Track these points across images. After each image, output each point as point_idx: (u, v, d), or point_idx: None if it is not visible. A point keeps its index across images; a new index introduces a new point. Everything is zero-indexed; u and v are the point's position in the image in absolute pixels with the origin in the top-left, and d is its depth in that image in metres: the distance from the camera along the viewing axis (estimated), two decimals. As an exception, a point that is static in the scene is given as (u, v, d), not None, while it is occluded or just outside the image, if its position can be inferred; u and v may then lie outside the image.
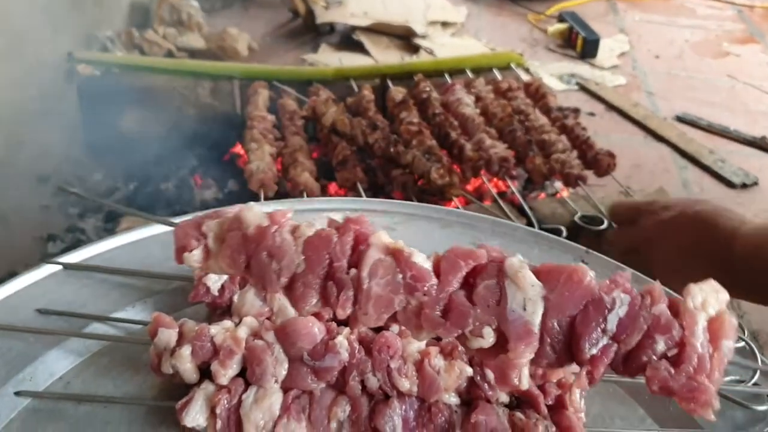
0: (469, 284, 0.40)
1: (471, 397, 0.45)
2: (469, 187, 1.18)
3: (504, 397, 0.45)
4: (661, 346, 0.37)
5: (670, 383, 0.36)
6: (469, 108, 1.25)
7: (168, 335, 0.46)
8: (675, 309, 0.38)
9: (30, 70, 1.26)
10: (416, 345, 0.46)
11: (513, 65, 1.44)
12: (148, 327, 0.47)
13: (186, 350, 0.45)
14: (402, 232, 0.64)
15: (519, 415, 0.44)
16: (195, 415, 0.44)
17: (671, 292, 0.48)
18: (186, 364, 0.45)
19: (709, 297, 0.38)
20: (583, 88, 1.66)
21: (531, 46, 1.92)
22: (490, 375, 0.45)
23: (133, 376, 0.49)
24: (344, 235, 0.41)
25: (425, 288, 0.39)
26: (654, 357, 0.37)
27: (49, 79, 1.32)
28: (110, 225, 1.10)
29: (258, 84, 1.31)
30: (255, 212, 0.43)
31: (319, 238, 0.41)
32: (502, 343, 0.38)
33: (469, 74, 1.40)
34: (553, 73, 1.75)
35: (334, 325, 0.47)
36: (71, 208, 1.15)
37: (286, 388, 0.45)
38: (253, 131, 1.18)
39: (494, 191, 1.14)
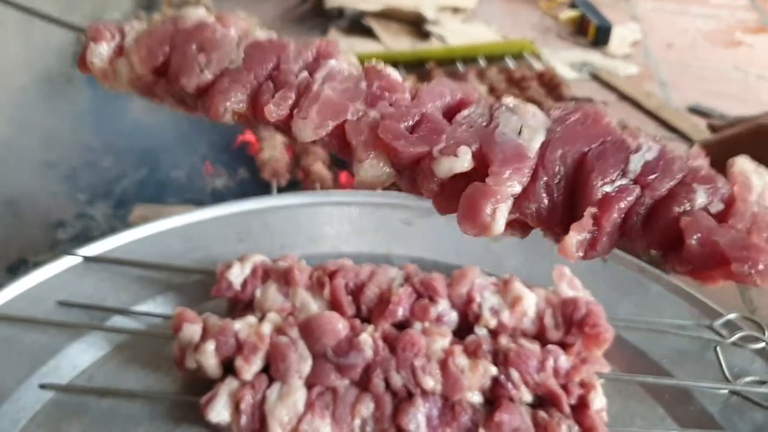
0: (451, 113, 0.31)
1: (494, 396, 0.45)
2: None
3: (527, 397, 0.45)
4: (701, 196, 0.27)
5: (714, 236, 0.25)
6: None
7: (192, 330, 0.46)
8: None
9: (38, 53, 1.25)
10: (440, 343, 0.46)
11: (526, 53, 1.43)
12: (172, 321, 0.47)
13: (210, 345, 0.45)
14: (420, 227, 0.64)
15: (542, 414, 0.45)
16: (219, 410, 0.44)
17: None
18: (210, 359, 0.45)
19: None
20: (596, 77, 1.64)
21: (542, 33, 1.90)
22: (515, 374, 0.45)
23: (155, 370, 0.49)
24: (306, 47, 0.34)
25: (393, 98, 0.31)
26: (690, 207, 0.27)
27: (57, 62, 1.31)
28: (121, 212, 1.09)
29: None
30: (200, 12, 0.35)
31: (271, 42, 0.34)
32: (480, 172, 0.28)
33: (481, 62, 1.39)
34: (565, 61, 1.73)
35: (357, 322, 0.47)
36: (80, 194, 1.14)
37: (309, 385, 0.45)
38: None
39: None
